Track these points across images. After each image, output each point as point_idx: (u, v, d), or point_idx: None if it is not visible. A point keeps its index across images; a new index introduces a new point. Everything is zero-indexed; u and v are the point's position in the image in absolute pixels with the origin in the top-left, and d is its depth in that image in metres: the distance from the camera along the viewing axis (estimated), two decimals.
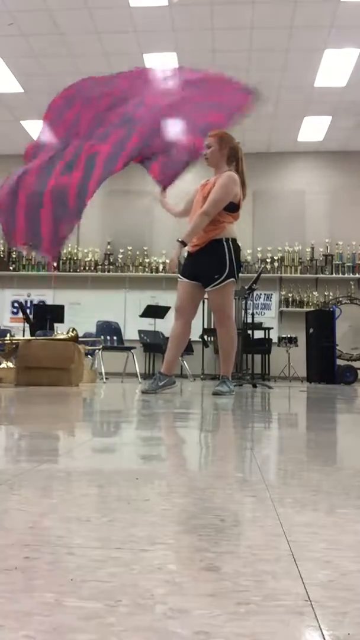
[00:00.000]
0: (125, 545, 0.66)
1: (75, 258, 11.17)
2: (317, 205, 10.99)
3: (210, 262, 4.03)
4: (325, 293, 10.74)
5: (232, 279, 4.06)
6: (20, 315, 8.74)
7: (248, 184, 4.38)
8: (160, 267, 10.78)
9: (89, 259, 11.16)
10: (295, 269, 10.80)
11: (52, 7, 6.92)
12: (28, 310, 9.22)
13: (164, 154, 3.88)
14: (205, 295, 4.32)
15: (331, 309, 9.27)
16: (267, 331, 9.61)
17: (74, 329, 5.56)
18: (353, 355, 10.10)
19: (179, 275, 4.25)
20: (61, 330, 6.85)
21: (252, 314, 6.50)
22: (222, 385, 4.16)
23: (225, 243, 4.05)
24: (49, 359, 5.03)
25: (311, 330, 9.01)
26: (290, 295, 10.81)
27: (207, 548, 0.66)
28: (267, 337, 9.62)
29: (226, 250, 4.04)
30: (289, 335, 9.54)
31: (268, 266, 10.65)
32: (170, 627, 0.46)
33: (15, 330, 9.41)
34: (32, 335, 7.45)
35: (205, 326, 9.90)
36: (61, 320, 8.42)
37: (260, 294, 10.61)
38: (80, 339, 5.73)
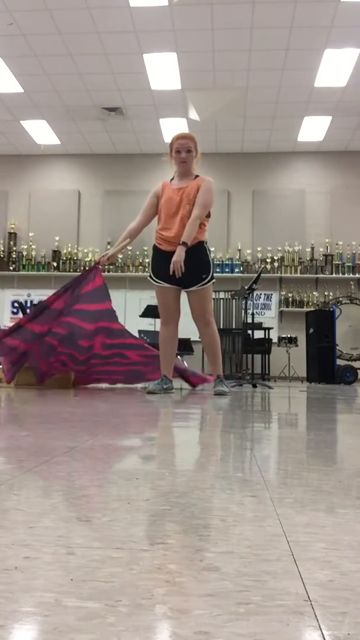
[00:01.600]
0: (125, 545, 0.66)
1: (75, 258, 11.17)
2: (317, 205, 10.99)
3: (196, 262, 4.11)
4: (325, 293, 10.74)
5: (214, 280, 4.26)
6: (20, 315, 8.74)
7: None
8: None
9: (89, 259, 11.15)
10: (295, 269, 10.80)
11: (52, 7, 6.92)
12: (28, 310, 9.22)
13: None
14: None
15: (331, 309, 9.27)
16: (267, 331, 9.61)
17: None
18: (353, 355, 10.09)
19: (155, 279, 4.23)
20: None
21: (252, 314, 6.50)
22: (222, 385, 4.18)
23: (206, 245, 4.23)
24: None
25: (311, 330, 9.01)
26: (290, 295, 10.81)
27: (207, 548, 0.66)
28: (267, 337, 9.62)
29: (207, 252, 4.24)
30: (289, 335, 9.54)
31: (268, 266, 10.65)
32: (170, 627, 0.46)
33: None
34: None
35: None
36: None
37: (260, 294, 10.61)
38: None
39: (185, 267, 3.98)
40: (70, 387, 4.90)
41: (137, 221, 4.42)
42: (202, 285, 4.12)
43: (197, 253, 4.12)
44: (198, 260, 4.12)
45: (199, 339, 4.41)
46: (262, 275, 6.78)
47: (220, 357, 4.36)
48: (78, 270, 11.13)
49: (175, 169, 4.30)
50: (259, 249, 10.83)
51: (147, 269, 10.90)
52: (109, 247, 11.16)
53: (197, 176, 4.25)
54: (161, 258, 4.17)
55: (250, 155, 11.13)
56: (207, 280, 4.13)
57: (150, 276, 4.34)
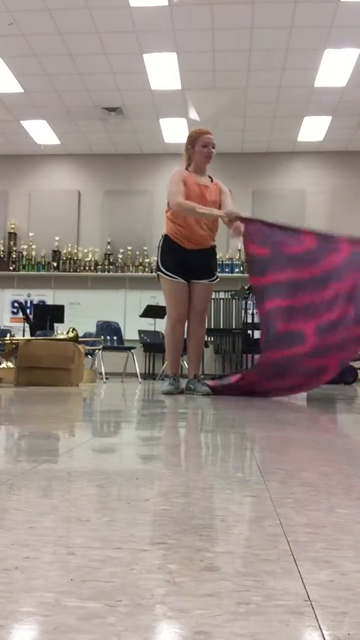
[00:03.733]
0: (125, 545, 0.66)
1: (75, 258, 11.17)
2: (317, 205, 10.99)
3: (210, 261, 4.28)
4: None
5: (218, 279, 4.37)
6: (20, 315, 8.74)
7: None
8: None
9: (89, 259, 11.15)
10: None
11: (52, 7, 6.91)
12: (28, 310, 9.22)
13: None
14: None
15: None
16: None
17: (74, 329, 5.56)
18: None
19: (169, 274, 4.15)
20: (61, 330, 6.86)
21: (252, 314, 6.50)
22: (203, 385, 4.18)
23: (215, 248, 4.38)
24: (49, 359, 5.03)
25: None
26: None
27: (207, 548, 0.66)
28: None
29: (216, 256, 4.42)
30: None
31: None
32: (170, 627, 0.46)
33: (15, 330, 9.40)
34: (32, 335, 7.45)
35: (205, 326, 9.88)
36: (61, 320, 8.42)
37: None
38: (80, 339, 5.73)
39: (199, 262, 4.16)
40: (71, 386, 4.90)
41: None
42: (210, 280, 4.25)
43: (212, 254, 4.30)
44: (211, 260, 4.29)
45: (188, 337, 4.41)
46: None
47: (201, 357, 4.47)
48: (78, 270, 11.13)
49: (189, 164, 4.17)
50: None
51: (146, 269, 10.88)
52: (109, 247, 11.17)
53: (210, 177, 4.28)
54: (179, 256, 4.12)
55: (250, 155, 11.13)
56: (214, 277, 4.30)
57: (162, 272, 4.17)
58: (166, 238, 4.19)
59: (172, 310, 4.22)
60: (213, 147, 4.17)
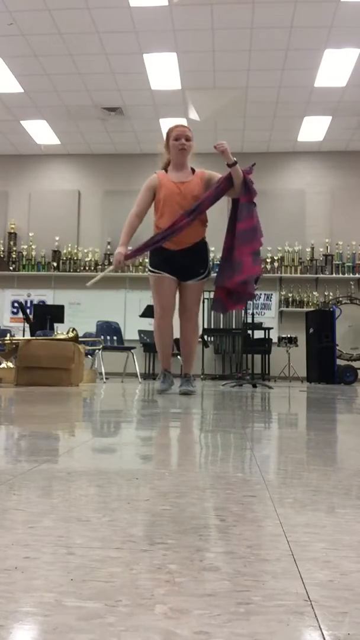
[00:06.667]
0: (125, 545, 0.66)
1: (75, 258, 11.17)
2: (317, 205, 10.99)
3: (197, 258, 4.16)
4: (325, 293, 10.74)
5: (209, 277, 4.26)
6: (20, 315, 8.74)
7: None
8: None
9: (89, 259, 11.15)
10: (295, 269, 10.80)
11: (52, 7, 6.92)
12: (28, 310, 9.22)
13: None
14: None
15: (331, 309, 9.27)
16: (267, 331, 9.61)
17: (74, 329, 5.56)
18: (353, 355, 10.09)
19: (154, 269, 4.23)
20: (61, 330, 6.85)
21: (252, 314, 6.50)
22: (188, 385, 4.19)
23: (207, 244, 4.26)
24: (49, 359, 5.03)
25: (311, 330, 9.00)
26: (290, 295, 10.81)
27: (207, 548, 0.66)
28: (267, 337, 9.62)
29: (208, 250, 4.30)
30: (289, 335, 9.54)
31: (268, 266, 10.64)
32: (170, 627, 0.46)
33: (15, 330, 9.41)
34: (32, 335, 7.45)
35: (206, 326, 9.90)
36: (61, 320, 8.42)
37: (260, 294, 10.61)
38: (80, 339, 5.73)
39: (186, 261, 4.08)
40: (71, 386, 4.90)
41: (138, 216, 4.24)
42: (198, 279, 4.17)
43: (199, 249, 4.16)
44: (199, 256, 4.17)
45: (199, 339, 4.41)
46: (262, 275, 6.77)
47: (194, 356, 4.38)
48: (78, 270, 11.14)
49: (169, 161, 4.16)
50: None
51: (146, 269, 10.86)
52: (109, 247, 11.17)
53: (193, 170, 4.17)
54: (166, 257, 4.14)
55: (250, 155, 11.12)
56: (204, 275, 4.19)
57: (148, 270, 4.31)
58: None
59: (156, 305, 4.25)
60: (187, 140, 4.05)
